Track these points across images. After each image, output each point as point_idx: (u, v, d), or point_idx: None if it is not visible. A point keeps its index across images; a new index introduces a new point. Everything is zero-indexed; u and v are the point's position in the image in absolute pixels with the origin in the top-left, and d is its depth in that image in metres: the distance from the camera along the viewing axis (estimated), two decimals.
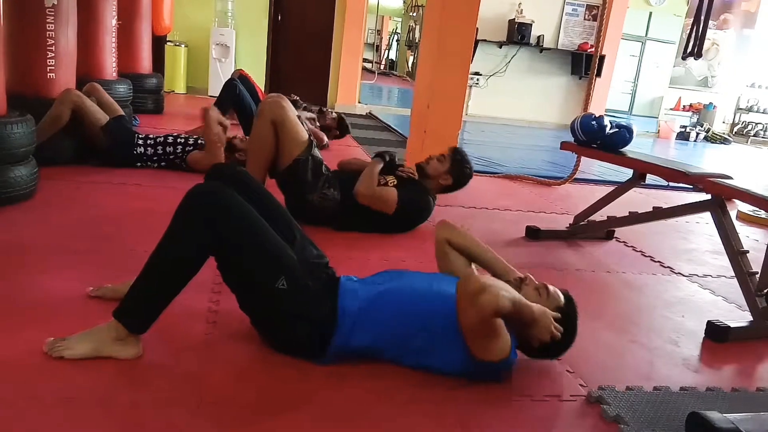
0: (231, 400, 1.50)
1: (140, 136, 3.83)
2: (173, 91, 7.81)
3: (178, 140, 3.85)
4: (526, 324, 1.64)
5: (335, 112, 5.72)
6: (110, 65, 4.75)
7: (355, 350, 1.69)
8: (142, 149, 3.77)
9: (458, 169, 3.15)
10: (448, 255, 2.03)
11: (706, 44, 4.04)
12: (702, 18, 3.85)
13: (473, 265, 2.02)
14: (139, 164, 3.77)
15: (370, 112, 8.56)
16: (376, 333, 1.68)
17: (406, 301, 1.70)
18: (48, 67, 3.55)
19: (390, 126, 7.43)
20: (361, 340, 1.67)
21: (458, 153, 3.18)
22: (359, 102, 9.24)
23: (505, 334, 1.64)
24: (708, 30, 3.97)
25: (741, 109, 12.24)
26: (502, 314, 1.55)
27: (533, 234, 3.36)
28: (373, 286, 1.75)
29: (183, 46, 7.88)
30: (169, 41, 7.70)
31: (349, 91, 8.93)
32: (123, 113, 3.92)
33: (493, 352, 1.63)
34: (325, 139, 5.21)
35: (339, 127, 5.48)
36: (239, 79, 5.14)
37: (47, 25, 3.45)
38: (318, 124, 5.30)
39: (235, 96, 4.79)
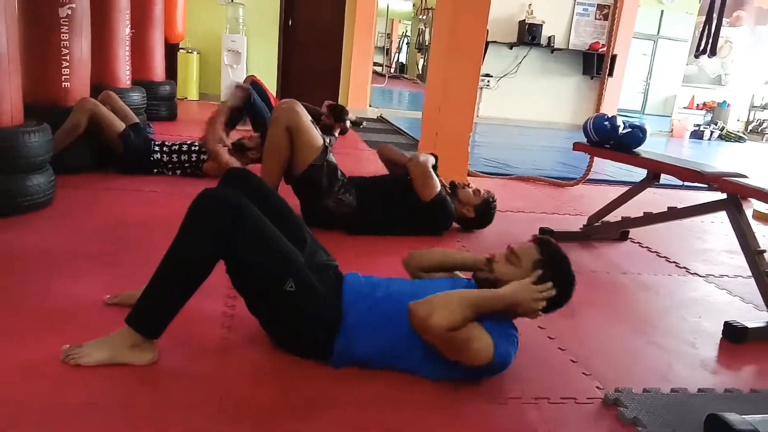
0: (249, 404, 1.51)
1: (156, 143, 3.87)
2: (186, 98, 7.87)
3: (193, 148, 3.88)
4: (512, 310, 1.63)
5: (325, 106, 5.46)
6: (124, 73, 4.80)
7: (358, 357, 1.69)
8: (158, 155, 3.81)
9: (485, 211, 3.22)
10: (426, 278, 2.01)
11: (720, 42, 4.01)
12: (715, 15, 3.83)
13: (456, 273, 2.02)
14: (155, 170, 3.81)
15: (381, 116, 8.58)
16: (376, 341, 1.68)
17: (396, 310, 1.67)
18: (63, 77, 3.59)
19: (401, 129, 7.44)
20: (364, 347, 1.68)
21: (493, 199, 3.25)
22: (370, 106, 9.26)
23: (479, 337, 1.58)
24: (721, 27, 3.94)
25: (755, 106, 12.11)
26: (458, 326, 1.53)
27: (547, 235, 3.34)
28: (373, 292, 1.75)
29: (195, 53, 7.94)
30: (181, 48, 7.77)
31: (360, 94, 8.95)
32: (138, 121, 3.96)
33: (476, 358, 1.59)
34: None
35: (334, 117, 5.24)
36: (251, 85, 5.16)
37: (61, 35, 3.50)
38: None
39: (249, 103, 4.81)
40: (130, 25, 4.85)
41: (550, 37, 9.34)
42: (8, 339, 1.69)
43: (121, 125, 3.74)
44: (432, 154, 3.25)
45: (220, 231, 1.58)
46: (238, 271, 1.66)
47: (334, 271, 1.87)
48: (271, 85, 7.27)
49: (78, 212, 2.95)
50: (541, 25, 9.15)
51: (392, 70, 18.90)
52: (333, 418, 1.50)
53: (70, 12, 3.50)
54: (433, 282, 1.86)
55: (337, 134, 5.41)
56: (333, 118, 5.31)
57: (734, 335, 2.25)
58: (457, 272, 2.01)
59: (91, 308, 1.91)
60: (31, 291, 2.01)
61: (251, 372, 1.67)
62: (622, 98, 9.93)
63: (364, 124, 6.17)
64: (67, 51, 3.55)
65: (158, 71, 5.95)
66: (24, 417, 1.37)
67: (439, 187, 3.04)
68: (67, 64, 3.58)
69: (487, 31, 4.35)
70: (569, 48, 9.52)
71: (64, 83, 3.61)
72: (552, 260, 1.71)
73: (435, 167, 3.21)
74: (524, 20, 9.14)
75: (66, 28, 3.51)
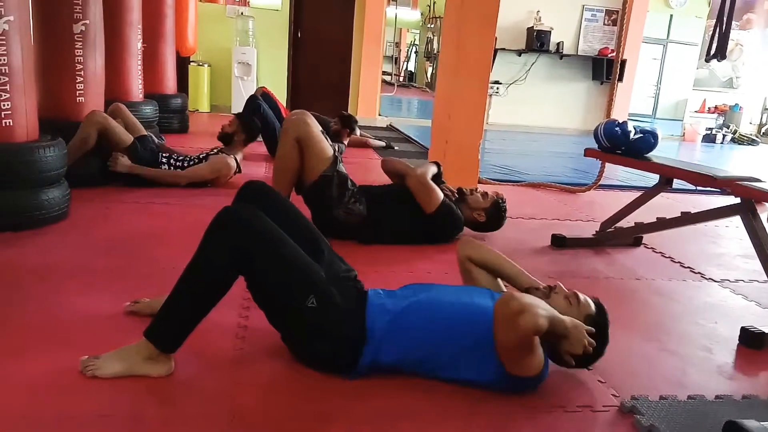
0: (262, 417, 1.52)
1: (164, 155, 3.91)
2: (197, 110, 7.94)
3: (201, 158, 3.92)
4: (559, 337, 1.63)
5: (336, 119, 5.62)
6: (136, 87, 4.86)
7: (384, 365, 1.69)
8: (166, 167, 3.84)
9: (495, 214, 3.22)
10: (471, 272, 2.03)
11: (730, 45, 3.99)
12: (724, 19, 3.81)
13: (498, 279, 2.02)
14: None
15: (390, 125, 8.60)
16: (405, 348, 1.68)
17: (436, 315, 1.70)
18: (77, 92, 3.64)
19: (411, 137, 7.45)
20: (390, 355, 1.68)
21: (502, 200, 3.25)
22: (380, 114, 9.29)
23: (540, 351, 1.63)
24: (731, 30, 3.92)
25: None
26: (542, 331, 1.54)
27: (559, 242, 3.33)
28: (400, 299, 1.76)
29: (206, 65, 8.02)
30: (192, 61, 7.85)
31: (370, 104, 8.99)
32: (146, 133, 3.99)
33: (527, 369, 1.63)
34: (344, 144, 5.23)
35: (343, 124, 5.36)
36: (262, 96, 5.22)
37: (76, 50, 3.55)
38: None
39: (259, 114, 4.85)
40: (142, 40, 4.92)
41: (558, 44, 9.33)
42: (20, 352, 1.70)
43: (129, 138, 3.77)
44: (435, 163, 3.25)
45: (238, 247, 1.59)
46: (257, 286, 1.68)
47: (354, 284, 1.87)
48: (281, 96, 7.32)
49: (93, 225, 2.98)
50: (550, 32, 9.15)
51: (401, 79, 18.95)
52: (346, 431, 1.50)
53: (84, 28, 3.55)
54: (469, 290, 1.86)
55: (346, 142, 5.50)
56: (341, 125, 5.41)
57: (751, 341, 2.22)
58: (501, 283, 2.00)
59: (103, 321, 1.93)
60: (47, 304, 2.03)
61: (264, 384, 1.67)
62: (632, 103, 9.90)
63: (396, 147, 6.46)
64: (82, 66, 3.60)
65: (170, 84, 6.02)
66: (35, 430, 1.38)
67: (440, 198, 3.02)
68: (82, 79, 3.63)
69: (496, 38, 4.35)
70: (578, 54, 9.50)
71: (78, 98, 3.66)
72: (601, 326, 1.73)
73: (439, 175, 3.21)
74: (532, 27, 9.14)
75: (80, 44, 3.56)
